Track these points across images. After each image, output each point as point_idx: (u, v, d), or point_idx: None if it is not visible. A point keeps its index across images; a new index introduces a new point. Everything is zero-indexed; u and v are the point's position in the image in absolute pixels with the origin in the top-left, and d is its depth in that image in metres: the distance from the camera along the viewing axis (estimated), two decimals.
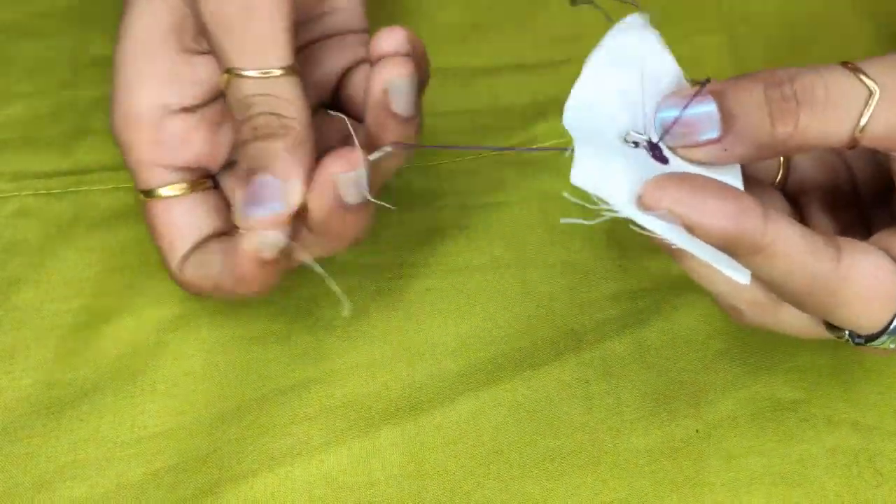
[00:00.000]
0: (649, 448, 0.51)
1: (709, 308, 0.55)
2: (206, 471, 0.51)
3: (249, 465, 0.51)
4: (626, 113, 0.41)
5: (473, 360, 0.54)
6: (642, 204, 0.37)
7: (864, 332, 0.42)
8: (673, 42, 0.66)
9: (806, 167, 0.48)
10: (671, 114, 0.40)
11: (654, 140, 0.40)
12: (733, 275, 0.39)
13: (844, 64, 0.40)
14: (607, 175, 0.38)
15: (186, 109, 0.51)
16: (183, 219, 0.51)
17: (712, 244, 0.38)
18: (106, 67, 0.65)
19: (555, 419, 0.52)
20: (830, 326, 0.44)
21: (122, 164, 0.60)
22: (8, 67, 0.65)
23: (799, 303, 0.42)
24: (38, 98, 0.64)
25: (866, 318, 0.41)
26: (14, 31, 0.67)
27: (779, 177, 0.48)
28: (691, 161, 0.40)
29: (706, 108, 0.40)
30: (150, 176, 0.51)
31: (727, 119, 0.40)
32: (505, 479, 0.51)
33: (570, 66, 0.63)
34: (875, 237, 0.43)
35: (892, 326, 0.41)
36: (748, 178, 0.42)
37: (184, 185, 0.51)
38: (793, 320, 0.45)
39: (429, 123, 0.62)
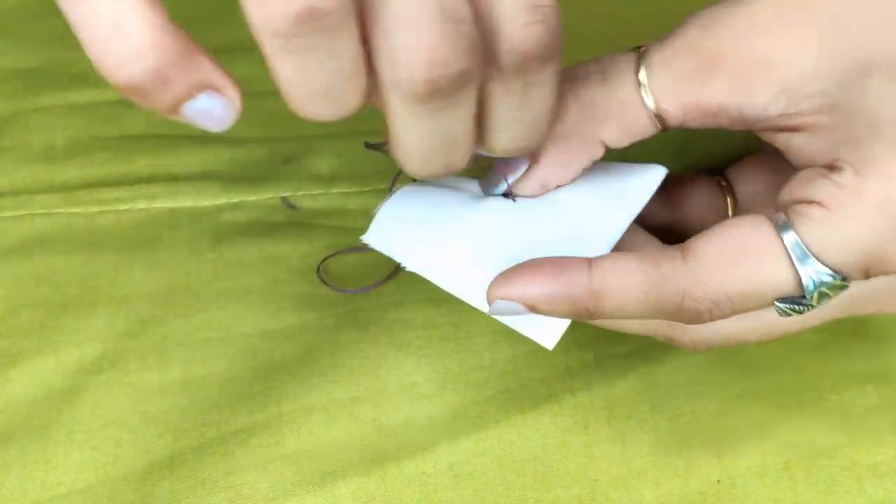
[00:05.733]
0: (662, 503, 0.46)
1: None
2: None
3: None
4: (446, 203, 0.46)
5: (452, 404, 0.49)
6: (488, 302, 0.42)
7: (778, 292, 0.40)
8: None
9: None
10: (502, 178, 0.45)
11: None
12: (538, 339, 0.43)
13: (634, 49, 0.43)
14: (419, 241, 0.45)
15: None
16: None
17: (558, 313, 0.41)
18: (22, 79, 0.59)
19: (548, 470, 0.48)
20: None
21: (38, 188, 0.56)
22: None
23: (677, 310, 0.41)
24: None
25: (754, 278, 0.40)
26: None
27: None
28: (530, 195, 0.45)
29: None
30: None
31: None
32: None
33: None
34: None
35: (805, 279, 0.39)
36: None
37: None
38: (732, 323, 0.45)
39: None
